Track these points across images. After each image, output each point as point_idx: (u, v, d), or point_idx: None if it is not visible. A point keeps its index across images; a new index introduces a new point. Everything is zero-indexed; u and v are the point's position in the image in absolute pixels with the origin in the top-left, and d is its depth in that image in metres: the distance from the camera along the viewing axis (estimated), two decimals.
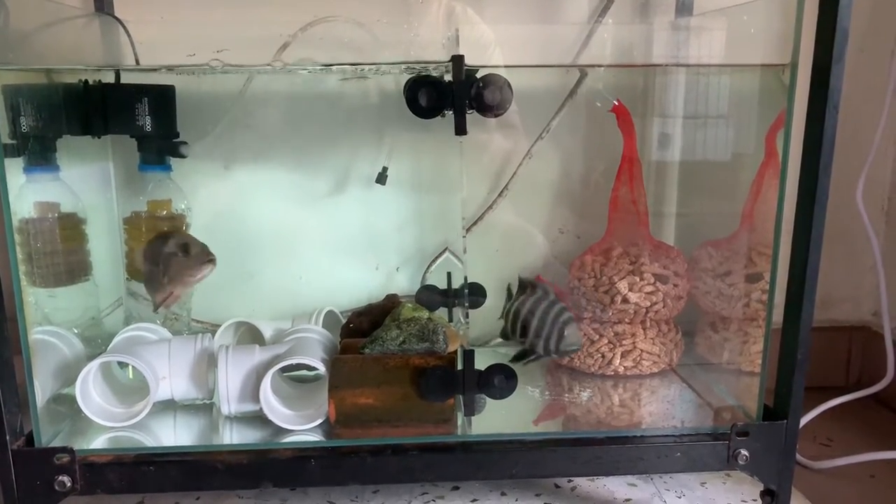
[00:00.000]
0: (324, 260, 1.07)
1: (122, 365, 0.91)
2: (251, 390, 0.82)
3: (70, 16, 0.97)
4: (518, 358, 0.90)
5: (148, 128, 0.91)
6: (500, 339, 0.99)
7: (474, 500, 0.89)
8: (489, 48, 0.95)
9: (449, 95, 0.78)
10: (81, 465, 0.73)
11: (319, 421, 0.81)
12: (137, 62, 0.94)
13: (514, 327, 0.91)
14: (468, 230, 1.05)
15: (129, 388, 0.89)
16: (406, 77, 0.95)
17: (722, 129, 1.01)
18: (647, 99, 1.06)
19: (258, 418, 0.83)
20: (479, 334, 1.09)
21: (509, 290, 0.96)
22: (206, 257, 0.81)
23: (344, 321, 0.96)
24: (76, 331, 0.92)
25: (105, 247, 1.01)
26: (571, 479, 0.93)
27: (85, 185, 0.96)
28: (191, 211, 1.00)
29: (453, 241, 1.06)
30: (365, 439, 0.78)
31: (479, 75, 0.79)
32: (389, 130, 1.03)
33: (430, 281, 1.06)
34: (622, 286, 0.95)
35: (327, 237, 1.07)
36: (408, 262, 1.08)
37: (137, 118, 0.90)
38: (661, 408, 0.89)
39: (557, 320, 0.88)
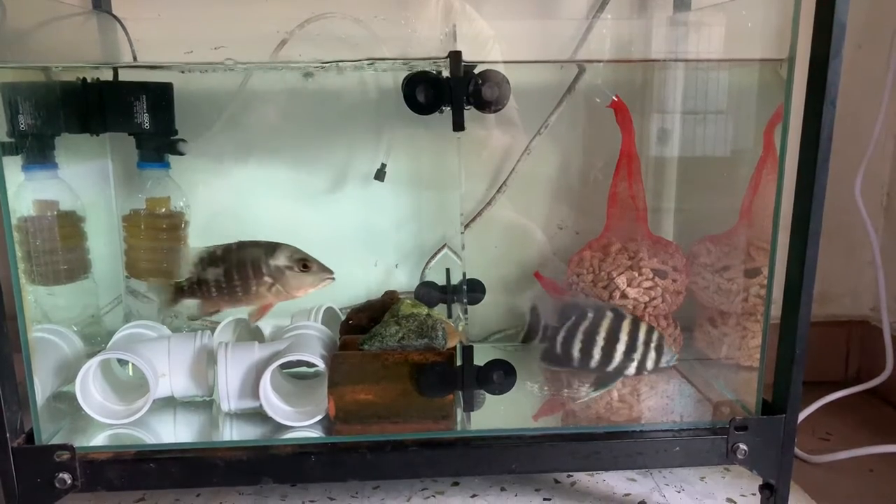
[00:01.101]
0: (322, 257, 1.07)
1: (122, 362, 0.91)
2: (251, 387, 0.82)
3: (68, 13, 0.96)
4: (604, 385, 0.91)
5: (146, 125, 0.91)
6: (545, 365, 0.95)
7: (474, 496, 0.89)
8: (487, 44, 0.95)
9: (446, 92, 0.78)
10: (82, 462, 0.73)
11: (319, 417, 0.81)
12: (135, 59, 0.94)
13: (588, 353, 0.91)
14: (467, 226, 1.05)
15: (128, 385, 0.89)
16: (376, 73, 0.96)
17: (720, 124, 1.01)
18: (646, 94, 1.06)
19: (258, 415, 0.83)
20: (478, 330, 1.09)
21: (535, 311, 0.95)
22: (326, 274, 0.82)
23: (343, 318, 0.96)
24: (76, 328, 0.92)
25: (104, 245, 1.01)
26: (571, 474, 0.93)
27: (84, 182, 0.96)
28: (189, 208, 1.00)
29: (452, 237, 1.06)
30: (364, 435, 0.78)
31: (476, 71, 0.79)
32: (388, 127, 1.03)
33: (429, 277, 1.06)
34: (621, 281, 0.95)
35: (326, 234, 1.07)
36: (406, 259, 1.08)
37: (136, 116, 0.90)
38: (660, 403, 0.90)
39: (651, 338, 0.90)
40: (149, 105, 0.90)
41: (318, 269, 0.82)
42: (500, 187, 1.06)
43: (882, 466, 0.97)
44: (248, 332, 0.99)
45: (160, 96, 0.92)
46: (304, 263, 0.81)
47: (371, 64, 0.94)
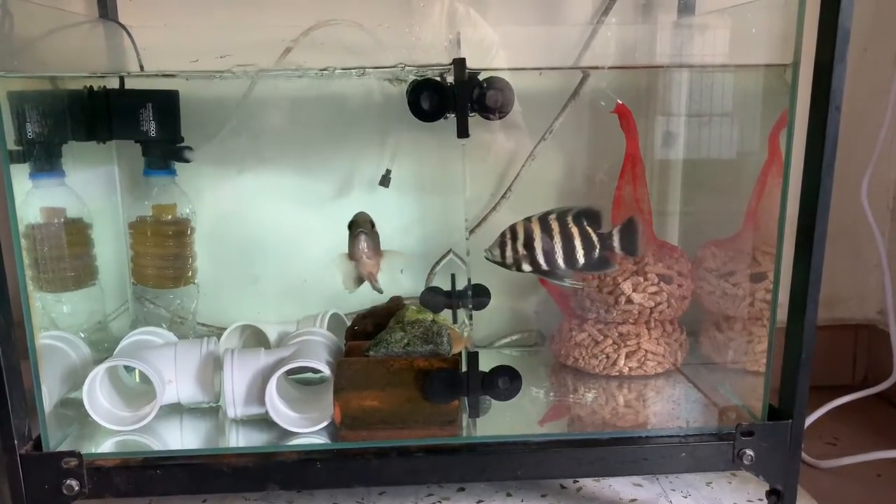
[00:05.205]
0: (328, 263, 1.07)
1: (129, 369, 0.92)
2: (257, 393, 0.82)
3: (74, 22, 0.97)
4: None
5: (152, 133, 0.92)
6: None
7: (480, 502, 0.89)
8: (492, 50, 0.95)
9: (451, 98, 0.78)
10: (89, 468, 0.74)
11: (325, 423, 0.81)
12: (142, 68, 0.94)
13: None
14: (471, 232, 1.05)
15: (135, 391, 0.89)
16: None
17: (725, 128, 1.01)
18: (650, 99, 1.06)
19: (264, 421, 0.83)
20: (483, 336, 1.09)
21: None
22: (355, 231, 0.87)
23: (348, 324, 0.96)
24: (83, 335, 0.93)
25: (111, 251, 1.01)
26: (577, 479, 0.93)
27: (90, 190, 0.97)
28: (195, 215, 1.00)
29: (457, 242, 1.06)
30: (370, 441, 0.78)
31: (480, 78, 0.79)
32: (392, 133, 1.03)
33: (434, 283, 1.06)
34: (626, 287, 0.95)
35: (331, 240, 1.06)
36: (412, 264, 1.08)
37: (142, 123, 0.91)
38: (666, 408, 0.89)
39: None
40: (155, 113, 0.91)
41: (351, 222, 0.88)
42: (505, 193, 1.06)
43: (890, 471, 0.97)
44: (255, 339, 0.99)
45: (166, 104, 0.93)
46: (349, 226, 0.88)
47: (363, 71, 0.94)
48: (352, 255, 0.88)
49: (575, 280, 0.91)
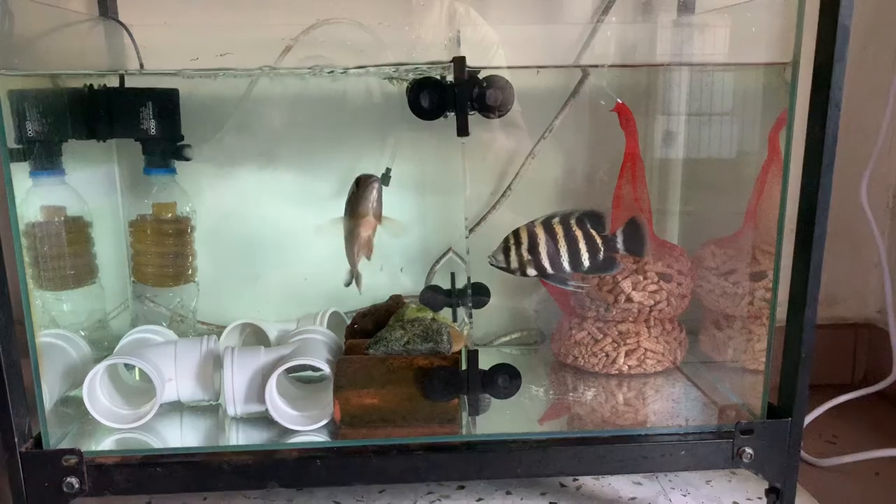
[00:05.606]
0: (328, 261, 1.07)
1: (129, 367, 0.92)
2: (257, 391, 0.82)
3: (75, 21, 0.97)
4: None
5: (152, 131, 0.92)
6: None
7: (480, 500, 0.89)
8: (492, 49, 0.95)
9: (451, 97, 0.78)
10: (89, 466, 0.74)
11: (325, 422, 0.81)
12: (142, 66, 0.94)
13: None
14: (471, 230, 1.05)
15: (135, 389, 0.90)
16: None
17: (725, 127, 1.01)
18: (650, 97, 1.06)
19: (264, 419, 0.83)
20: (483, 334, 1.09)
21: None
22: (368, 179, 0.83)
23: (348, 322, 0.96)
24: (83, 333, 0.93)
25: (111, 250, 1.01)
26: (576, 477, 0.93)
27: (90, 188, 0.97)
28: (196, 213, 1.00)
29: (457, 241, 1.06)
30: (370, 439, 0.78)
31: (480, 76, 0.79)
32: (393, 131, 1.04)
33: (434, 281, 1.07)
34: (626, 285, 0.95)
35: (331, 238, 1.07)
36: (412, 263, 1.08)
37: (142, 122, 0.91)
38: (666, 406, 0.89)
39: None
40: (155, 111, 0.91)
41: (363, 178, 0.85)
42: (505, 191, 1.06)
43: (888, 470, 0.97)
44: (255, 337, 0.99)
45: (166, 102, 0.93)
46: (357, 182, 0.85)
47: (362, 68, 0.94)
48: (357, 211, 0.84)
49: (577, 282, 0.91)
